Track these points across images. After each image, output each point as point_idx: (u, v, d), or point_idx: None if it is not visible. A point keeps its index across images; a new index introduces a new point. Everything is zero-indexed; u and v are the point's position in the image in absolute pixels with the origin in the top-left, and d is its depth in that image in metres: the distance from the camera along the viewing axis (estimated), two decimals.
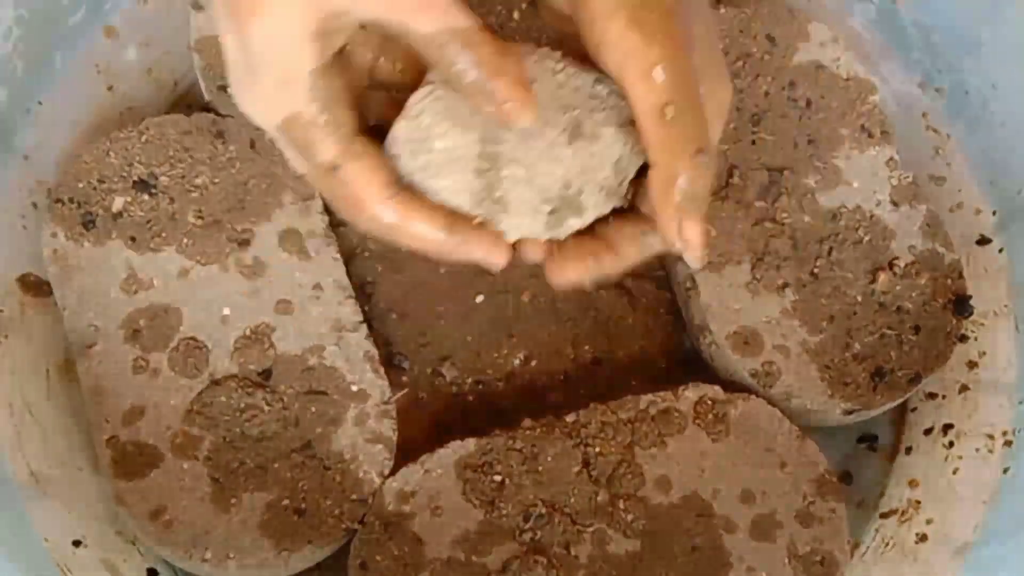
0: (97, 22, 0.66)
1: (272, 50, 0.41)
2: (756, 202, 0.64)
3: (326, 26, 0.40)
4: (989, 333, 0.67)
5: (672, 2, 0.41)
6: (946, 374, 0.66)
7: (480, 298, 0.66)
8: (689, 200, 0.42)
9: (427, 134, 0.42)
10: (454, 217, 0.43)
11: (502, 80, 0.41)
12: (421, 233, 0.43)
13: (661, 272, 0.68)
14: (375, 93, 0.46)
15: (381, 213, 0.43)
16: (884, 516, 0.64)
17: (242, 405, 0.58)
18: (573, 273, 0.45)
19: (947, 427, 0.65)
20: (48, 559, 0.56)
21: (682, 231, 0.42)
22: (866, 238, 0.64)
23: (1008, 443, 0.64)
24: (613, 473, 0.58)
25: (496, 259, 0.44)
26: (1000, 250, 0.68)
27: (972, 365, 0.66)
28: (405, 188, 0.43)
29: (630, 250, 0.45)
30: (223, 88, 0.65)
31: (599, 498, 0.57)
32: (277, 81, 0.42)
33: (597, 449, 0.58)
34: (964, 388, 0.66)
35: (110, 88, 0.67)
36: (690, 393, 0.60)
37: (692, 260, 0.43)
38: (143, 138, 0.63)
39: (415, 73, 0.45)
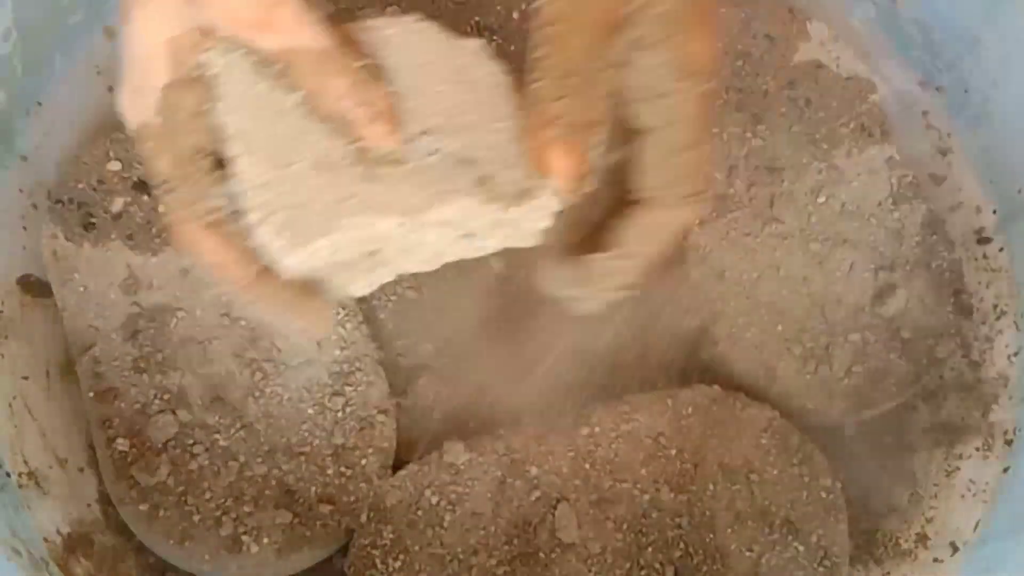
0: (97, 22, 0.66)
1: (135, 54, 0.42)
2: (756, 202, 0.64)
3: (182, 41, 0.41)
4: (989, 333, 0.67)
5: None
6: (946, 374, 0.66)
7: (479, 298, 0.66)
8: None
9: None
10: (261, 272, 0.42)
11: (361, 111, 0.40)
12: (225, 275, 0.43)
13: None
14: None
15: (182, 246, 0.43)
16: (884, 516, 0.64)
17: (242, 405, 0.58)
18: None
19: (947, 426, 0.65)
20: (48, 558, 0.56)
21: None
22: (866, 238, 0.64)
23: (1008, 443, 0.64)
24: (612, 473, 0.58)
25: (314, 329, 0.45)
26: (1000, 249, 0.68)
27: (972, 365, 0.66)
28: (217, 226, 0.42)
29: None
30: None
31: (598, 498, 0.57)
32: (135, 87, 0.42)
33: (597, 450, 0.58)
34: (964, 388, 0.66)
35: (110, 88, 0.67)
36: (690, 393, 0.60)
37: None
38: None
39: None
